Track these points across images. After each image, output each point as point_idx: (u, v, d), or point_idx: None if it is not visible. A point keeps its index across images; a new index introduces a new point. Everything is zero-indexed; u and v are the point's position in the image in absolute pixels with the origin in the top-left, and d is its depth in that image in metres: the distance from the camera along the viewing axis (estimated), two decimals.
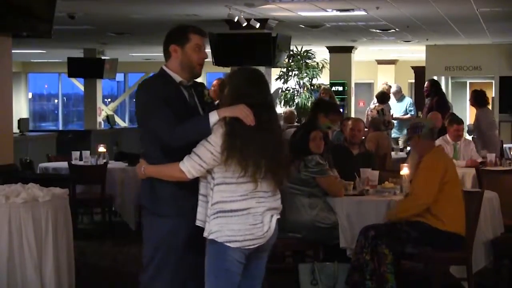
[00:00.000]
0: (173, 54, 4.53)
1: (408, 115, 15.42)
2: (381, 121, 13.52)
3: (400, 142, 14.65)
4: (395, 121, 15.00)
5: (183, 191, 4.34)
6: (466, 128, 12.83)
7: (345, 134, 8.50)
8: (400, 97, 15.84)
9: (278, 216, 4.30)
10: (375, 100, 15.42)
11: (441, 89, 14.91)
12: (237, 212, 4.15)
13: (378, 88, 26.14)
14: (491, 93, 22.01)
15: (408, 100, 16.00)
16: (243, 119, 4.12)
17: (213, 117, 4.18)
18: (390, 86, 16.32)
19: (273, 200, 4.26)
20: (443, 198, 6.23)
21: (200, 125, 4.20)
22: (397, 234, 6.26)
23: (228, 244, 4.14)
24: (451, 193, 6.26)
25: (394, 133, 14.79)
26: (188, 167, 4.19)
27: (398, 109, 15.45)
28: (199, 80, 4.74)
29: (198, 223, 4.30)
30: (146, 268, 4.54)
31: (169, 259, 4.45)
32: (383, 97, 14.67)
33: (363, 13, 13.89)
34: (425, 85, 14.67)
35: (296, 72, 18.60)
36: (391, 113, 14.95)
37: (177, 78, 4.53)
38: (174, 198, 4.40)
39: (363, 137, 10.42)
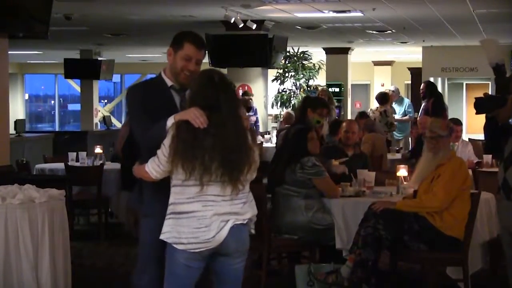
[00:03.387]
0: (168, 57, 4.62)
1: (407, 117, 15.42)
2: (384, 122, 13.52)
3: (401, 143, 14.63)
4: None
5: (164, 191, 4.35)
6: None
7: (339, 135, 8.50)
8: (398, 98, 15.83)
9: (240, 222, 4.20)
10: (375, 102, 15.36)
11: (437, 90, 14.90)
12: (184, 215, 4.13)
13: (375, 89, 26.24)
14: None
15: (406, 102, 15.99)
16: (191, 121, 4.11)
17: (170, 120, 4.22)
18: (393, 91, 16.20)
19: (228, 204, 4.16)
20: (455, 204, 6.25)
21: (160, 128, 4.27)
22: (400, 221, 6.28)
23: (175, 246, 4.15)
24: (463, 200, 6.29)
25: (395, 135, 14.73)
26: (150, 167, 4.25)
27: (396, 110, 15.44)
28: None
29: None
30: (137, 265, 4.68)
31: (152, 258, 4.52)
32: (383, 98, 14.58)
33: (359, 14, 13.91)
34: (421, 87, 14.66)
35: (293, 73, 18.60)
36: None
37: (169, 82, 4.62)
38: (156, 198, 4.44)
39: (361, 139, 10.45)
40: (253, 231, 4.34)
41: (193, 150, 4.09)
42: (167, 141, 4.16)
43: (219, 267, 4.27)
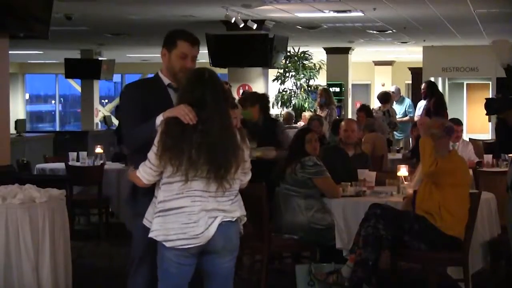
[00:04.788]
0: (163, 58, 4.63)
1: (407, 117, 15.41)
2: (387, 122, 13.50)
3: (401, 143, 14.62)
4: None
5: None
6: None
7: (339, 135, 8.51)
8: (399, 98, 15.82)
9: (228, 219, 4.19)
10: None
11: (438, 90, 14.88)
12: (172, 211, 4.14)
13: (376, 89, 26.23)
14: (488, 94, 22.05)
15: (407, 102, 15.97)
16: (181, 118, 4.12)
17: (158, 119, 4.24)
18: (393, 92, 16.18)
19: (215, 200, 4.16)
20: (454, 202, 6.25)
21: (149, 127, 4.29)
22: (401, 222, 6.28)
23: (164, 243, 4.16)
24: (461, 198, 6.30)
25: (396, 135, 14.72)
26: (142, 172, 4.26)
27: (397, 110, 15.43)
28: None
29: (144, 221, 4.37)
30: (130, 264, 4.70)
31: (145, 257, 4.53)
32: (384, 97, 14.55)
33: (360, 14, 13.90)
34: (422, 87, 14.65)
35: (293, 73, 18.58)
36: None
37: (166, 81, 4.64)
38: (148, 197, 4.41)
39: (361, 139, 10.45)
40: (242, 231, 4.31)
41: (181, 145, 4.09)
42: (156, 139, 4.17)
43: (209, 266, 4.26)
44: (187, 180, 4.11)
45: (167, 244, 4.15)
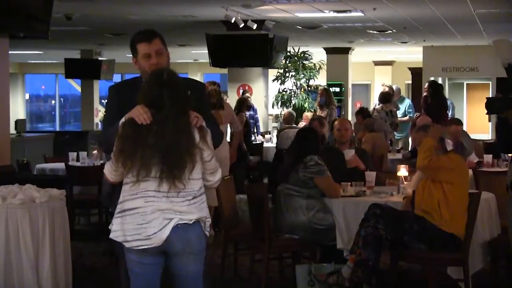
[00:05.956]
0: (135, 66, 4.64)
1: (407, 117, 15.39)
2: (390, 122, 13.50)
3: (400, 143, 14.61)
4: None
5: None
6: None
7: (333, 135, 8.52)
8: (399, 98, 15.81)
9: (185, 222, 4.11)
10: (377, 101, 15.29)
11: (440, 90, 14.87)
12: (129, 212, 4.13)
13: (376, 89, 26.24)
14: (488, 94, 22.05)
15: (407, 102, 15.95)
16: (135, 118, 4.12)
17: (122, 119, 4.24)
18: (390, 87, 16.19)
19: (169, 201, 4.11)
20: (454, 198, 6.25)
21: (114, 129, 4.29)
22: (401, 222, 6.29)
23: (124, 244, 4.16)
24: (460, 195, 6.29)
25: (396, 135, 14.71)
26: (106, 170, 4.25)
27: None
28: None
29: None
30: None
31: (122, 252, 4.46)
32: (385, 97, 14.51)
33: (360, 14, 13.91)
34: (425, 86, 14.63)
35: (293, 73, 18.57)
36: None
37: None
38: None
39: (361, 138, 10.45)
40: (207, 233, 4.22)
41: (134, 146, 4.09)
42: (115, 140, 4.18)
43: (173, 268, 4.22)
44: (138, 181, 4.10)
45: (126, 245, 4.14)
